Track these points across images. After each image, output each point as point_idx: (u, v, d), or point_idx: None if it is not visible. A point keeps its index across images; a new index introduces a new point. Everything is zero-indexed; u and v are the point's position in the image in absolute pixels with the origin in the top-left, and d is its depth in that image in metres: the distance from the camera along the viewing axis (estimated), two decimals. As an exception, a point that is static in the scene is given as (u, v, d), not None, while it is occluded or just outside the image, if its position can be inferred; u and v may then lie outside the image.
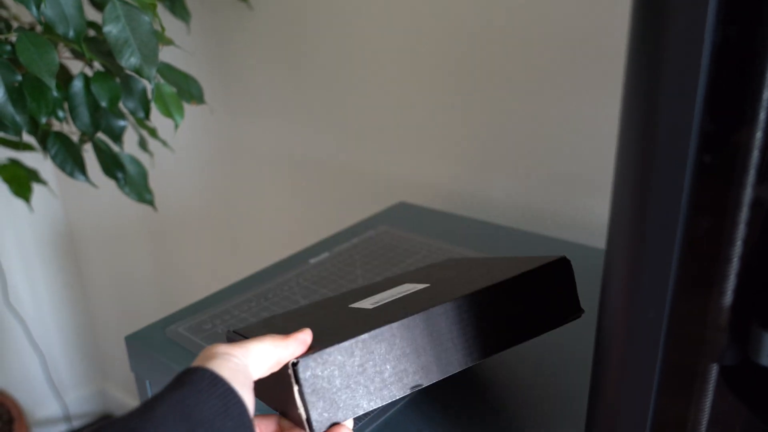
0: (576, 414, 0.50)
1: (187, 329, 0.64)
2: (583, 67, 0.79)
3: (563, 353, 0.57)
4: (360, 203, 1.10)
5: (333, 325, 0.45)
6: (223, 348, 0.35)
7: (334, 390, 0.40)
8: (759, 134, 0.27)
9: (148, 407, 0.31)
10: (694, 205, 0.28)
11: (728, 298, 0.30)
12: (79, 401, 1.89)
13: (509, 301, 0.45)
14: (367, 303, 0.50)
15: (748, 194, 0.28)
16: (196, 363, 0.34)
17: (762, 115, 0.26)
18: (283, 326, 0.48)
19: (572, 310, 0.48)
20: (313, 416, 0.39)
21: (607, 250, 0.30)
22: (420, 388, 0.43)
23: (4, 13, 0.97)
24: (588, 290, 0.68)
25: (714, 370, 0.31)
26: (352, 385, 0.41)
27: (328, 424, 0.39)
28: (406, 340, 0.42)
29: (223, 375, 0.33)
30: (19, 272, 1.69)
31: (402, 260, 0.76)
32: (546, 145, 0.85)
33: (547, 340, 0.59)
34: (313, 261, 0.76)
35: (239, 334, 0.49)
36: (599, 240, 0.84)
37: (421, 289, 0.50)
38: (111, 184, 1.35)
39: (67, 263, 1.79)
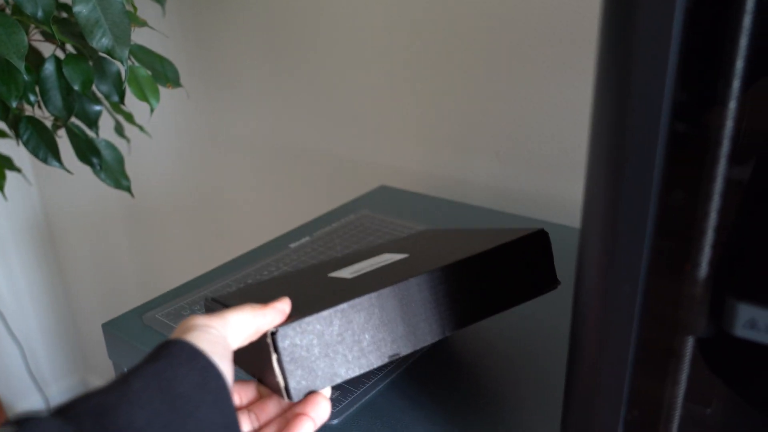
0: (555, 389, 0.50)
1: (165, 315, 0.63)
2: (558, 47, 0.79)
3: (544, 330, 0.58)
4: (341, 189, 1.10)
5: (312, 295, 0.45)
6: (202, 319, 0.35)
7: (313, 358, 0.40)
8: (732, 104, 0.27)
9: (124, 381, 0.30)
10: (667, 178, 0.28)
11: (703, 270, 0.30)
12: (61, 393, 1.87)
13: (486, 272, 0.45)
14: (346, 272, 0.49)
15: (721, 166, 0.28)
16: (174, 335, 0.34)
17: (735, 84, 0.26)
18: (261, 294, 0.48)
19: (549, 281, 0.48)
20: (291, 384, 0.39)
21: (582, 225, 0.29)
22: (398, 357, 0.43)
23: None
24: (567, 269, 0.68)
25: (689, 343, 0.31)
26: (330, 354, 0.40)
27: (306, 391, 0.39)
28: (385, 310, 0.42)
29: (202, 347, 0.32)
30: (-4, 263, 1.67)
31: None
32: (523, 126, 0.85)
33: (529, 317, 0.60)
34: (293, 245, 0.76)
35: (218, 302, 0.48)
36: (578, 219, 0.84)
37: (400, 260, 0.50)
38: (87, 170, 1.33)
39: (44, 253, 1.76)
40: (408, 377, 0.53)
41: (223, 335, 0.35)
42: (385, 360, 0.42)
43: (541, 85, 0.82)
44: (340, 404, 0.50)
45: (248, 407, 0.40)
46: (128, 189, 0.88)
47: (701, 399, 0.34)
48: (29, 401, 1.80)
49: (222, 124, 1.21)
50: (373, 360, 0.42)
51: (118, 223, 1.53)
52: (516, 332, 0.58)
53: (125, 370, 0.62)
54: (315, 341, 0.40)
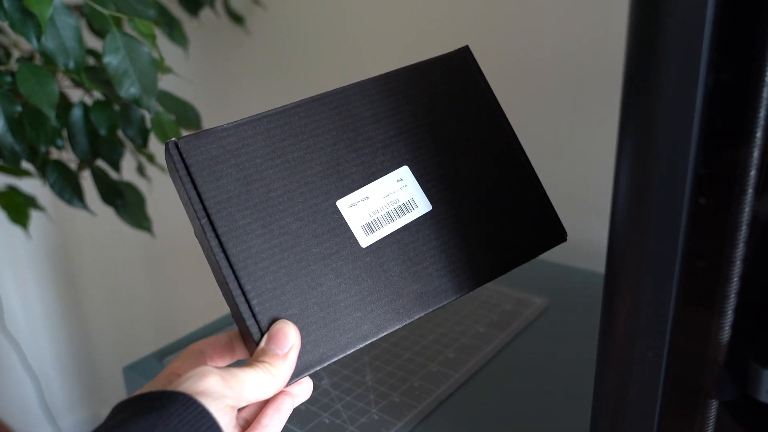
0: (576, 444, 0.49)
1: (185, 359, 0.63)
2: (577, 90, 0.80)
3: (562, 388, 0.57)
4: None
5: (323, 284, 0.38)
6: (218, 385, 0.33)
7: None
8: (753, 174, 0.27)
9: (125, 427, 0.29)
10: (692, 243, 0.28)
11: (726, 334, 0.30)
12: (74, 426, 1.87)
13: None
14: (359, 217, 0.40)
15: (743, 232, 0.28)
16: (185, 385, 0.32)
17: (758, 135, 0.27)
18: (246, 173, 0.39)
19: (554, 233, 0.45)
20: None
21: (605, 293, 0.30)
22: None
23: (5, 40, 0.97)
24: (586, 315, 0.68)
25: (713, 405, 0.31)
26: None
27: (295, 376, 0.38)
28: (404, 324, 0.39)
29: (216, 419, 0.32)
30: (16, 297, 1.68)
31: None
32: (539, 168, 0.86)
33: (550, 375, 0.59)
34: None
35: (181, 158, 0.39)
36: (595, 263, 0.84)
37: (423, 221, 0.41)
38: (109, 210, 1.35)
39: (64, 288, 1.78)
40: (443, 416, 0.53)
41: (235, 405, 0.34)
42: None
43: (562, 128, 0.83)
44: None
45: None
46: (148, 229, 0.89)
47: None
48: (43, 435, 1.80)
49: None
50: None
51: (138, 261, 1.55)
52: (537, 385, 0.58)
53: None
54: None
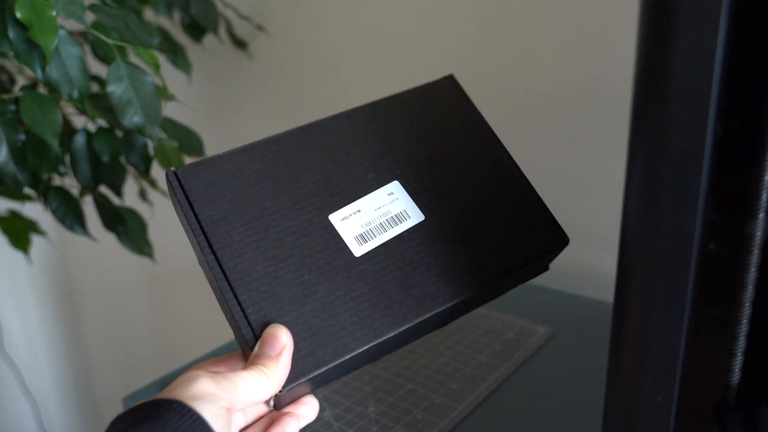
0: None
1: (185, 389, 0.63)
2: (577, 115, 0.80)
3: (568, 420, 0.57)
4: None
5: (316, 291, 0.39)
6: (211, 387, 0.33)
7: (309, 384, 0.38)
8: (762, 216, 0.27)
9: None
10: (701, 283, 0.28)
11: (737, 377, 0.30)
12: (72, 451, 1.85)
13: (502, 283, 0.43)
14: (351, 228, 0.41)
15: (752, 275, 0.28)
16: (176, 392, 0.32)
17: (764, 198, 0.27)
18: (241, 195, 0.41)
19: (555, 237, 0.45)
20: (281, 405, 0.38)
21: (612, 338, 0.29)
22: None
23: (10, 66, 0.98)
24: (591, 344, 0.67)
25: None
26: (329, 376, 0.39)
27: (294, 398, 0.39)
28: (399, 338, 0.39)
29: (208, 421, 0.31)
30: (15, 320, 1.68)
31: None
32: (541, 194, 0.86)
33: (555, 406, 0.59)
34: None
35: (181, 182, 0.41)
36: (598, 291, 0.84)
37: (416, 231, 0.42)
38: (110, 236, 1.34)
39: (64, 312, 1.77)
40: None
41: (229, 408, 0.33)
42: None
43: (559, 152, 0.83)
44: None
45: None
46: (150, 255, 0.89)
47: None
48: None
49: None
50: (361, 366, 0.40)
51: (140, 286, 1.54)
52: (549, 409, 0.57)
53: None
54: (317, 377, 0.38)
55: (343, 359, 0.37)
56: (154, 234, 1.28)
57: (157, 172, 1.08)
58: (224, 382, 0.34)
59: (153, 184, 0.99)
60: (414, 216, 0.42)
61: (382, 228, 0.42)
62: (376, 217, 0.42)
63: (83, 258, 1.65)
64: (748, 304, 0.29)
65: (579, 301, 0.78)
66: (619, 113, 0.77)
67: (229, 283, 0.38)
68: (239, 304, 0.38)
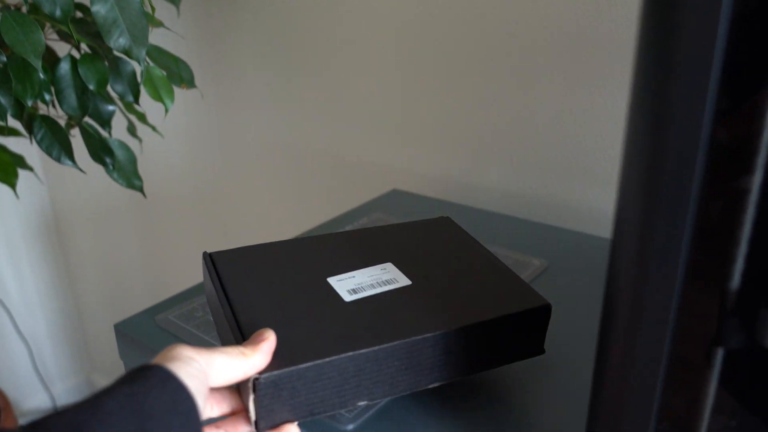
0: (580, 402, 0.49)
1: (177, 317, 0.62)
2: (576, 55, 0.78)
3: (568, 339, 0.57)
4: (352, 192, 1.09)
5: (306, 318, 0.44)
6: (187, 351, 0.35)
7: (291, 399, 0.40)
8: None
9: (97, 400, 0.30)
10: (705, 190, 0.27)
11: (736, 281, 0.29)
12: (67, 391, 1.87)
13: (487, 337, 0.46)
14: (345, 286, 0.48)
15: (758, 177, 0.27)
16: (156, 361, 0.34)
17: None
18: (259, 262, 0.50)
19: (536, 349, 0.48)
20: (261, 425, 0.40)
21: (614, 237, 0.29)
22: (374, 401, 0.43)
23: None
24: (584, 276, 0.68)
25: (720, 355, 0.31)
26: (310, 395, 0.41)
27: (276, 423, 0.40)
28: (382, 362, 0.42)
29: (179, 375, 0.33)
30: (4, 261, 1.67)
31: (396, 248, 0.75)
32: (540, 133, 0.85)
33: (550, 334, 0.59)
34: (305, 248, 0.75)
35: (213, 261, 0.50)
36: (593, 227, 0.84)
37: (404, 289, 0.48)
38: (98, 170, 1.33)
39: (53, 251, 1.76)
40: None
41: (204, 371, 0.35)
42: (362, 403, 0.43)
43: (560, 93, 0.81)
44: (355, 411, 0.49)
45: (219, 423, 0.40)
46: (140, 189, 0.87)
47: (730, 413, 0.33)
48: (36, 400, 1.80)
49: (234, 126, 1.21)
50: (350, 403, 0.42)
51: (129, 223, 1.53)
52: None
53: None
54: (299, 386, 0.40)
55: (321, 361, 0.40)
56: (144, 170, 1.26)
57: (146, 103, 1.05)
58: (202, 350, 0.36)
59: (142, 118, 0.97)
60: (402, 281, 0.49)
61: (372, 287, 0.48)
62: (368, 281, 0.48)
63: (72, 198, 1.64)
64: (752, 207, 0.28)
65: (573, 235, 0.77)
66: (622, 52, 0.75)
67: (236, 317, 0.44)
68: (239, 328, 0.43)
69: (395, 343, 0.42)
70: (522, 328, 0.47)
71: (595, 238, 0.76)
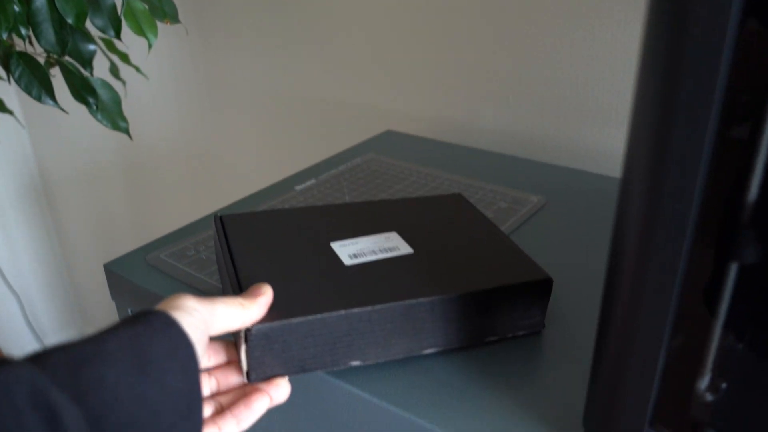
0: (589, 318, 0.48)
1: (169, 256, 0.61)
2: (579, -18, 0.75)
3: (563, 280, 0.56)
4: (345, 135, 1.07)
5: (306, 274, 0.44)
6: (191, 301, 0.35)
7: (283, 353, 0.40)
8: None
9: (100, 339, 0.30)
10: (722, 117, 0.26)
11: (753, 194, 0.28)
12: (60, 343, 1.87)
13: (485, 307, 0.45)
14: (347, 251, 0.48)
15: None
16: (159, 307, 0.35)
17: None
18: (267, 227, 0.51)
19: (537, 323, 0.47)
20: (252, 375, 0.40)
21: (626, 164, 0.27)
22: (366, 364, 0.43)
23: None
24: (583, 213, 0.66)
25: (735, 269, 0.30)
26: (302, 351, 0.41)
27: (267, 377, 0.40)
28: (375, 324, 0.42)
29: (181, 323, 0.33)
30: (-9, 213, 1.64)
31: (391, 186, 0.73)
32: (536, 70, 0.82)
33: (549, 269, 0.58)
34: (298, 188, 0.73)
35: (221, 222, 0.52)
36: (590, 164, 0.82)
37: (405, 257, 0.48)
38: (81, 115, 1.29)
39: (39, 202, 1.73)
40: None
41: (205, 321, 0.35)
42: (354, 364, 0.43)
43: (554, 28, 0.79)
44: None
45: (212, 371, 0.41)
46: (126, 131, 0.85)
47: (742, 327, 0.32)
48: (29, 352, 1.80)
49: (222, 67, 1.18)
50: (342, 361, 0.42)
51: (115, 170, 1.50)
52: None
53: (129, 311, 0.61)
54: (291, 340, 0.40)
55: (312, 317, 0.40)
56: (128, 116, 1.23)
57: (128, 39, 1.01)
58: (204, 301, 0.36)
59: (125, 58, 0.94)
60: (404, 249, 0.49)
61: (374, 253, 0.48)
62: (370, 247, 0.49)
63: (54, 144, 1.60)
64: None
65: (571, 173, 0.76)
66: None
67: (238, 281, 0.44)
68: (239, 283, 0.43)
69: (389, 305, 0.42)
70: (522, 302, 0.46)
71: (592, 175, 0.75)
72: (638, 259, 0.29)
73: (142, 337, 0.31)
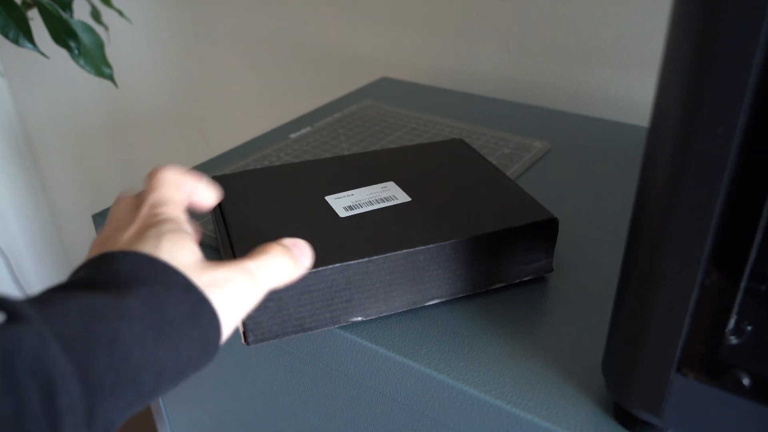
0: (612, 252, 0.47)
1: (160, 205, 0.58)
2: None
3: (571, 222, 0.54)
4: (339, 82, 1.03)
5: (298, 233, 0.43)
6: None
7: (279, 312, 0.39)
8: None
9: (117, 291, 0.27)
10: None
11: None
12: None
13: (490, 249, 0.43)
14: (342, 203, 0.46)
15: None
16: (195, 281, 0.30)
17: None
18: (262, 186, 0.49)
19: (545, 266, 0.46)
20: (251, 338, 0.39)
21: (653, 124, 0.24)
22: (368, 319, 0.41)
23: None
24: (589, 157, 0.64)
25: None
26: (299, 308, 0.39)
27: (266, 338, 0.40)
28: (374, 275, 0.40)
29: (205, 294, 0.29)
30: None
31: (390, 133, 0.70)
32: (534, 11, 0.79)
33: (555, 213, 0.56)
34: (293, 136, 0.71)
35: (218, 181, 0.50)
36: (594, 110, 0.80)
37: (403, 205, 0.46)
38: (64, 64, 1.24)
39: (23, 157, 1.69)
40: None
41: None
42: (356, 320, 0.41)
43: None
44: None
45: None
46: (111, 77, 0.81)
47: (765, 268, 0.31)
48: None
49: (211, 12, 1.13)
50: (343, 318, 0.41)
51: (99, 121, 1.46)
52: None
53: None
54: (286, 298, 0.38)
55: (308, 272, 0.38)
56: (111, 62, 1.18)
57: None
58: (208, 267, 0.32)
59: (106, 1, 0.89)
60: (401, 198, 0.46)
61: (370, 204, 0.46)
62: (366, 198, 0.46)
63: (38, 100, 1.54)
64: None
65: (575, 118, 0.73)
66: None
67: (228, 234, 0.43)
68: (230, 242, 0.42)
69: (385, 255, 0.40)
70: (527, 244, 0.44)
71: (597, 120, 0.73)
72: (672, 191, 0.27)
73: (161, 294, 0.28)
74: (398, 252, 0.40)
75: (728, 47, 0.23)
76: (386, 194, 0.47)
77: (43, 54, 0.75)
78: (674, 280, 0.28)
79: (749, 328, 0.32)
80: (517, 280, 0.45)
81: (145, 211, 0.32)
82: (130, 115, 1.37)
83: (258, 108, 1.16)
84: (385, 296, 0.41)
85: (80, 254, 1.81)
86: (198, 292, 0.29)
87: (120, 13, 0.87)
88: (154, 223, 0.31)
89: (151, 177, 0.34)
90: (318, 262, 0.39)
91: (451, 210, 0.45)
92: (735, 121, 0.24)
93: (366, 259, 0.39)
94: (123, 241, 0.30)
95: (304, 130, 0.72)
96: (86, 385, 0.24)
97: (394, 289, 0.41)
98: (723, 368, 0.29)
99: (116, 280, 0.27)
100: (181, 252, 0.30)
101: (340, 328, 0.42)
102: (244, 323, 0.38)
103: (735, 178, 0.26)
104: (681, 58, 0.25)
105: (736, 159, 0.25)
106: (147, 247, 0.29)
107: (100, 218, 0.57)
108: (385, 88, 0.84)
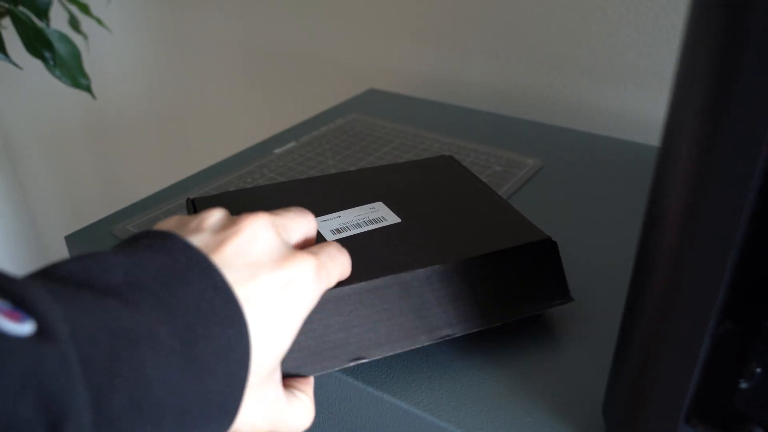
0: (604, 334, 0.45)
1: (138, 227, 0.56)
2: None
3: (564, 244, 0.52)
4: (326, 93, 1.01)
5: None
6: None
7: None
8: None
9: (148, 316, 0.24)
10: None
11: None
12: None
13: (482, 279, 0.39)
14: (329, 226, 0.43)
15: None
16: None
17: None
18: (241, 211, 0.46)
19: (559, 293, 0.41)
20: None
21: (665, 139, 0.23)
22: (362, 361, 0.36)
23: None
24: (582, 175, 0.63)
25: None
26: (288, 353, 0.35)
27: None
28: (368, 306, 0.36)
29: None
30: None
31: (377, 149, 0.68)
32: (525, 22, 0.77)
33: (548, 231, 0.54)
34: (278, 151, 0.68)
35: (193, 205, 0.47)
36: (586, 124, 0.78)
37: (391, 227, 0.43)
38: (42, 72, 1.20)
39: (1, 165, 1.65)
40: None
41: None
42: (348, 365, 0.36)
43: (553, -28, 0.73)
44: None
45: None
46: (88, 89, 0.78)
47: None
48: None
49: (193, 21, 1.10)
50: (332, 364, 0.35)
51: (78, 132, 1.42)
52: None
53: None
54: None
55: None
56: (91, 73, 1.15)
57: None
58: None
59: (85, 9, 0.86)
60: (391, 219, 0.44)
61: (358, 226, 0.43)
62: (354, 220, 0.44)
63: (13, 103, 1.51)
64: None
65: (566, 133, 0.72)
66: None
67: None
68: None
69: (381, 277, 0.36)
70: (526, 270, 0.40)
71: (589, 136, 0.71)
72: (686, 224, 0.25)
73: (197, 326, 0.25)
74: (389, 276, 0.37)
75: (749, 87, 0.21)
76: (374, 216, 0.45)
77: (16, 65, 0.73)
78: (685, 330, 0.26)
79: (758, 370, 0.31)
80: (536, 313, 0.41)
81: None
82: (110, 122, 1.34)
83: (241, 116, 1.14)
84: (387, 332, 0.37)
85: (58, 258, 1.77)
86: (241, 322, 0.26)
87: (99, 21, 0.84)
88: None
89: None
90: None
91: (441, 232, 0.42)
92: (755, 162, 0.22)
93: (363, 283, 0.36)
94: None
95: (289, 145, 0.69)
96: (100, 418, 0.21)
97: (395, 324, 0.37)
98: (736, 420, 0.27)
99: (149, 289, 0.25)
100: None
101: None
102: None
103: (751, 226, 0.24)
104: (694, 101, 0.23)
105: (753, 204, 0.23)
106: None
107: (74, 240, 0.55)
108: (372, 100, 0.82)
